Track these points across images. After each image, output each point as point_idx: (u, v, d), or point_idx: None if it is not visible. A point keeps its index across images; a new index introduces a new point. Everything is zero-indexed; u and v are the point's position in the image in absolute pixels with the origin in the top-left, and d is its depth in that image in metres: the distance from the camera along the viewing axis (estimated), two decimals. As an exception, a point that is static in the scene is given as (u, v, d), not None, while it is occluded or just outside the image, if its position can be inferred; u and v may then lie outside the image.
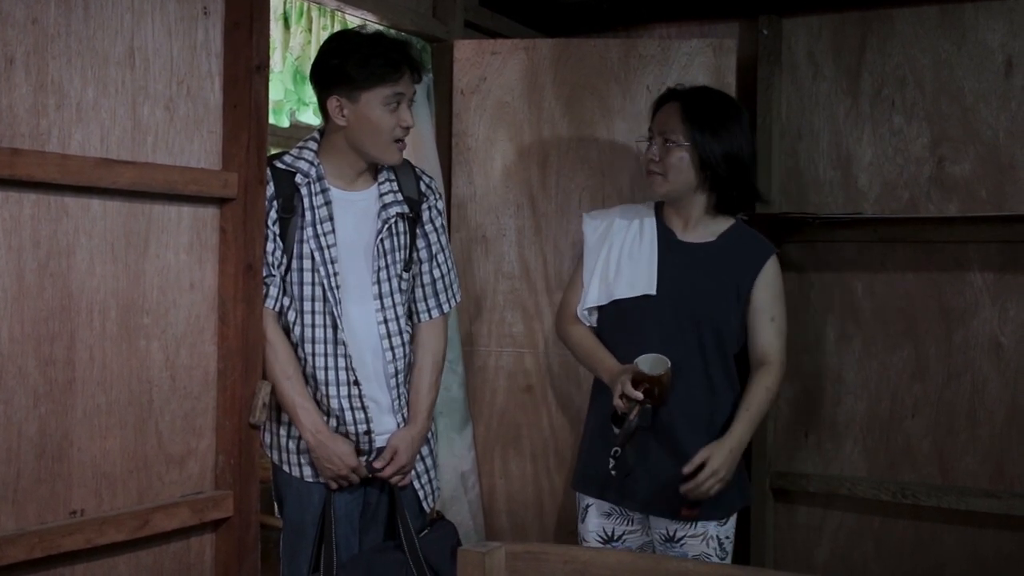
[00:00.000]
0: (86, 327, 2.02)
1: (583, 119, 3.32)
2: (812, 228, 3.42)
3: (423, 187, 2.63)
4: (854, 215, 3.39)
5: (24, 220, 1.91)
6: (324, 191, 2.50)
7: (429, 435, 2.66)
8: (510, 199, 3.35)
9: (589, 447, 2.71)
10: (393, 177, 2.59)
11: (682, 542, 2.60)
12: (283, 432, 2.54)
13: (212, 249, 2.25)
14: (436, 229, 2.65)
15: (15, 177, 1.85)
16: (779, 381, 2.63)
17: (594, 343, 2.69)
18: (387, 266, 2.54)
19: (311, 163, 2.51)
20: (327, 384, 2.50)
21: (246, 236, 2.26)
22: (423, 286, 2.65)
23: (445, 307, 2.69)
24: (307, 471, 2.53)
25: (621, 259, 2.67)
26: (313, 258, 2.48)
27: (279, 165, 2.50)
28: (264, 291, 2.40)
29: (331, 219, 2.49)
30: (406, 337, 2.59)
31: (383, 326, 2.54)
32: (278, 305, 2.48)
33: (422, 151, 3.17)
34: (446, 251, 2.69)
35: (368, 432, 2.52)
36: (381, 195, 2.56)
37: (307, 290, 2.48)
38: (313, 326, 2.49)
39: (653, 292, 2.61)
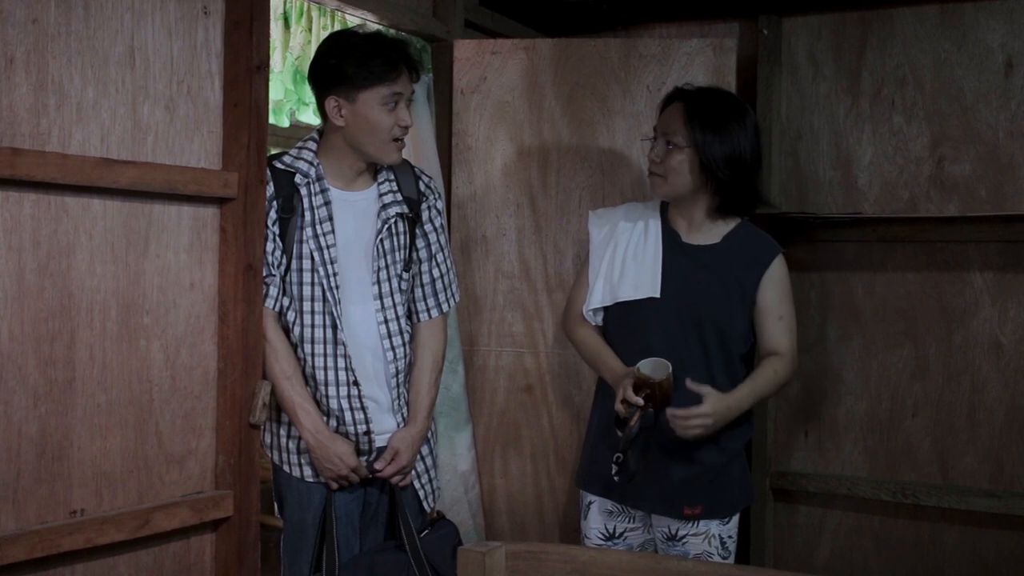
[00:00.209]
0: (86, 327, 2.02)
1: (583, 119, 3.32)
2: (812, 228, 3.42)
3: (422, 187, 2.63)
4: (854, 215, 3.39)
5: (24, 220, 1.91)
6: (324, 191, 2.50)
7: (429, 435, 2.67)
8: (510, 199, 3.36)
9: (592, 446, 2.72)
10: (392, 177, 2.59)
11: (684, 541, 2.60)
12: (283, 432, 2.54)
13: (212, 249, 2.25)
14: (435, 229, 2.65)
15: (15, 177, 1.85)
16: (788, 371, 2.63)
17: (599, 344, 2.69)
18: (387, 266, 2.54)
19: (311, 163, 2.51)
20: (327, 384, 2.50)
21: (246, 236, 2.26)
22: (422, 286, 2.65)
23: (444, 307, 2.69)
24: (307, 471, 2.53)
25: (626, 260, 2.67)
26: (313, 258, 2.48)
27: (278, 165, 2.50)
28: (264, 291, 2.40)
29: (331, 219, 2.49)
30: (406, 337, 2.59)
31: (383, 326, 2.54)
32: (278, 305, 2.48)
33: (422, 151, 3.18)
34: (445, 251, 2.69)
35: (368, 432, 2.52)
36: (380, 195, 2.56)
37: (307, 290, 2.48)
38: (313, 326, 2.49)
39: (657, 295, 2.60)
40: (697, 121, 2.55)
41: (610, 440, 2.55)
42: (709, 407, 2.46)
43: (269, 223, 2.43)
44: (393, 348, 2.55)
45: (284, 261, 2.47)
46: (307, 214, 2.48)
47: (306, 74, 2.74)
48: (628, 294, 2.64)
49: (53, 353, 1.96)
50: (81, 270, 2.01)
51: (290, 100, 3.35)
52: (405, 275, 2.59)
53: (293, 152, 2.54)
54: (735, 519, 2.65)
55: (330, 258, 2.48)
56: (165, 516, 2.14)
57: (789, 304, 2.65)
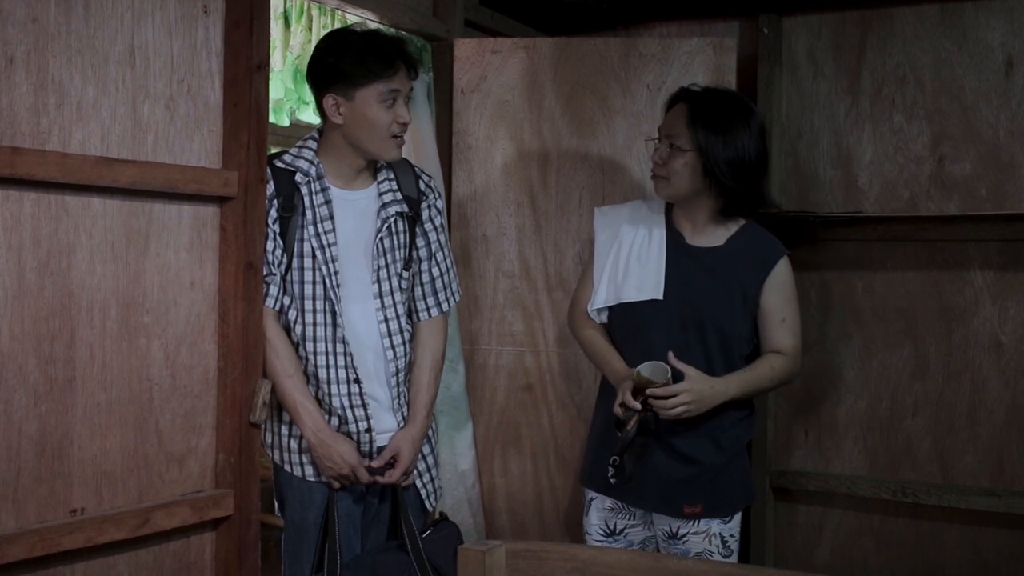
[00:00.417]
0: (86, 326, 2.02)
1: (583, 118, 3.32)
2: (812, 227, 3.42)
3: (422, 186, 2.63)
4: (854, 214, 3.39)
5: (24, 219, 1.91)
6: (324, 190, 2.50)
7: (430, 434, 2.67)
8: (510, 197, 3.36)
9: (594, 445, 2.72)
10: (392, 176, 2.59)
11: (684, 539, 2.60)
12: (284, 431, 2.54)
13: (212, 248, 2.25)
14: (435, 228, 2.65)
15: (15, 176, 1.85)
16: (788, 371, 2.62)
17: (603, 345, 2.69)
18: (387, 265, 2.54)
19: (311, 162, 2.51)
20: (328, 383, 2.50)
21: (246, 235, 2.26)
22: (422, 285, 2.65)
23: (444, 306, 2.69)
24: (309, 470, 2.53)
25: (630, 261, 2.67)
26: (314, 257, 2.48)
27: (279, 164, 2.50)
28: (264, 290, 2.40)
29: (331, 218, 2.49)
30: (407, 336, 2.59)
31: (383, 325, 2.54)
32: (278, 304, 2.48)
33: (422, 150, 3.18)
34: (445, 250, 2.69)
35: (369, 430, 2.53)
36: (380, 194, 2.56)
37: (307, 289, 2.48)
38: (314, 325, 2.49)
39: (660, 297, 2.60)
40: (700, 123, 2.54)
41: (611, 440, 2.56)
42: (688, 384, 2.46)
43: (269, 222, 2.43)
44: (393, 347, 2.55)
45: (284, 260, 2.48)
46: (307, 213, 2.48)
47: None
48: (631, 295, 2.64)
49: (53, 352, 1.96)
50: (81, 269, 2.01)
51: (290, 99, 3.35)
52: (405, 274, 2.59)
53: (293, 151, 2.54)
54: (737, 518, 2.65)
55: (331, 257, 2.48)
56: (165, 515, 2.14)
57: (793, 306, 2.64)
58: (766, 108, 3.47)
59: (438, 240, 2.66)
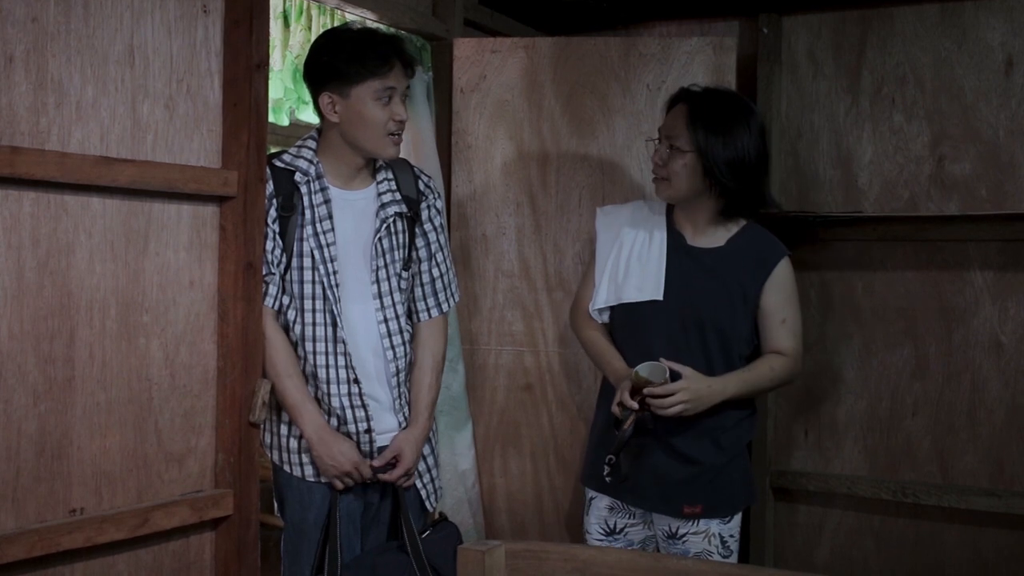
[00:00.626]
0: (86, 325, 2.02)
1: (583, 117, 3.32)
2: (812, 227, 3.42)
3: (422, 186, 2.63)
4: (854, 214, 3.39)
5: (24, 218, 1.90)
6: (323, 190, 2.50)
7: (431, 434, 2.66)
8: (510, 197, 3.35)
9: (595, 444, 2.72)
10: (391, 176, 2.59)
11: (684, 539, 2.60)
12: (284, 431, 2.54)
13: (212, 247, 2.25)
14: (435, 228, 2.65)
15: (15, 175, 1.85)
16: (788, 371, 2.62)
17: (604, 345, 2.70)
18: (386, 265, 2.54)
19: (310, 161, 2.51)
20: (327, 383, 2.50)
21: (246, 234, 2.26)
22: (422, 285, 2.64)
23: (444, 306, 2.69)
24: (308, 470, 2.53)
25: (631, 262, 2.67)
26: (313, 257, 2.47)
27: (278, 164, 2.50)
28: (264, 289, 2.39)
29: (330, 218, 2.49)
30: (406, 336, 2.59)
31: (383, 325, 2.54)
32: (277, 304, 2.48)
33: (422, 149, 3.17)
34: (445, 250, 2.69)
35: (369, 430, 2.52)
36: (379, 194, 2.56)
37: (307, 288, 2.48)
38: (313, 324, 2.49)
39: (660, 298, 2.60)
40: (700, 124, 2.54)
41: (611, 439, 2.56)
42: (685, 383, 2.47)
43: (269, 221, 2.43)
44: (393, 347, 2.55)
45: (284, 260, 2.47)
46: (307, 212, 2.48)
47: (304, 72, 2.74)
48: (632, 296, 2.64)
49: (52, 351, 1.96)
50: (80, 268, 2.00)
51: (290, 99, 3.35)
52: (404, 274, 2.59)
53: (292, 151, 2.54)
54: (737, 518, 2.65)
55: (329, 256, 2.47)
56: (165, 515, 2.13)
57: (793, 307, 2.64)
58: (766, 108, 3.47)
59: (438, 241, 2.66)
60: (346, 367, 2.49)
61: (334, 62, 2.45)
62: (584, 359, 3.14)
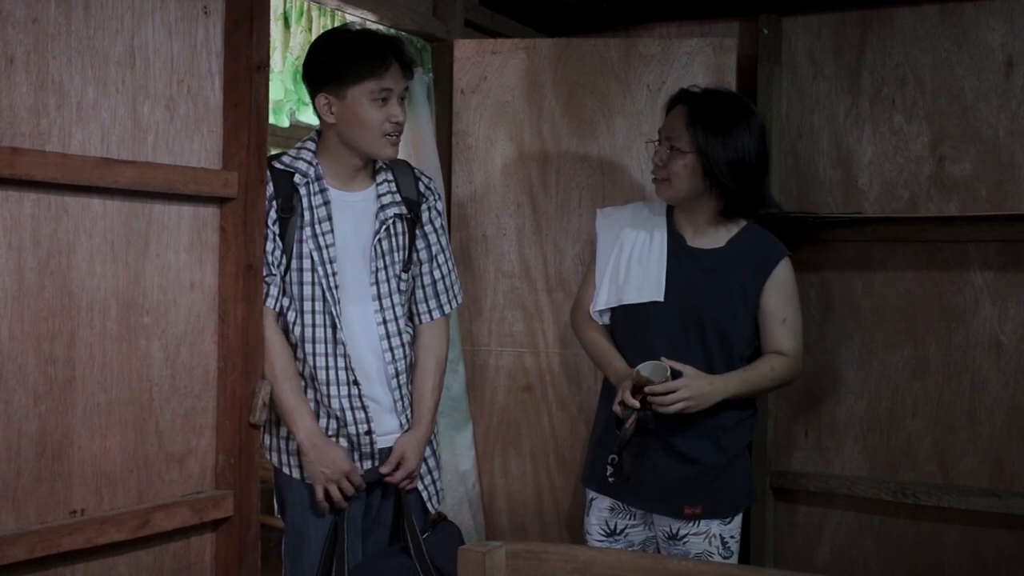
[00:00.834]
0: (86, 326, 2.02)
1: (583, 118, 3.32)
2: (812, 227, 3.42)
3: (422, 188, 2.63)
4: (854, 215, 3.39)
5: (24, 219, 1.90)
6: (323, 191, 2.50)
7: (432, 435, 2.66)
8: (510, 198, 3.36)
9: (596, 445, 2.72)
10: (391, 178, 2.59)
11: (685, 540, 2.60)
12: (284, 433, 2.53)
13: (212, 248, 2.25)
14: (436, 230, 2.65)
15: (15, 176, 1.85)
16: (788, 371, 2.62)
17: (605, 346, 2.70)
18: (385, 267, 2.54)
19: (310, 163, 2.51)
20: (327, 384, 2.50)
21: (246, 235, 2.26)
22: (423, 287, 2.64)
23: (446, 308, 2.68)
24: (308, 472, 2.53)
25: (631, 263, 2.67)
26: (312, 258, 2.47)
27: (278, 165, 2.49)
28: (264, 291, 2.39)
29: (329, 219, 2.49)
30: (406, 338, 2.59)
31: (382, 327, 2.53)
32: (278, 305, 2.48)
33: (422, 150, 3.18)
34: (446, 252, 2.69)
35: (369, 432, 2.52)
36: (379, 196, 2.56)
37: (307, 290, 2.48)
38: (313, 326, 2.48)
39: (661, 299, 2.60)
40: (700, 125, 2.54)
41: (612, 440, 2.56)
42: (686, 380, 2.47)
43: (269, 223, 2.43)
44: (392, 349, 2.54)
45: (284, 261, 2.47)
46: (306, 214, 2.48)
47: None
48: (632, 297, 2.64)
49: (53, 352, 1.96)
50: (81, 269, 2.01)
51: (290, 100, 3.35)
52: (404, 276, 2.59)
53: (292, 152, 2.54)
54: (737, 519, 2.65)
55: (329, 258, 2.47)
56: (165, 516, 2.13)
57: (794, 307, 2.64)
58: (766, 108, 3.47)
59: (439, 242, 2.65)
60: (346, 368, 2.49)
61: (331, 62, 2.45)
62: (584, 360, 3.14)
